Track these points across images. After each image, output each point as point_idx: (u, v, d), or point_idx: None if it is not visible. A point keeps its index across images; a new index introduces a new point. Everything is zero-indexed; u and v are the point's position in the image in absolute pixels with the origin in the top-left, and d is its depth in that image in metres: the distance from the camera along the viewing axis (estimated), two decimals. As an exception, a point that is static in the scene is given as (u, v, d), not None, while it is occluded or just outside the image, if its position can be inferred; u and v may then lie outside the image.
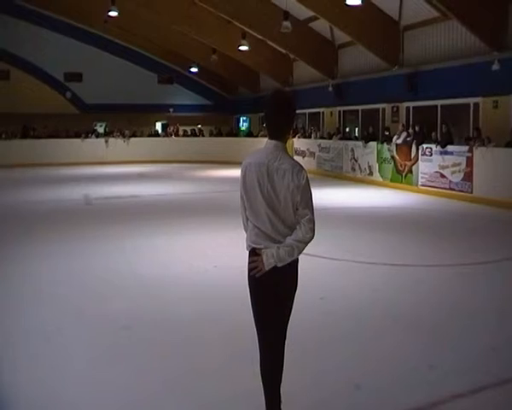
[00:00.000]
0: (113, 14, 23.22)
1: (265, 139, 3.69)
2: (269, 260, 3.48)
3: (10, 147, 26.95)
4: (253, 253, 3.59)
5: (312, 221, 3.48)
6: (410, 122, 19.30)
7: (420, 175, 16.89)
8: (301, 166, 3.56)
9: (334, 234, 10.66)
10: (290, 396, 3.87)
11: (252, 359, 3.95)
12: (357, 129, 23.87)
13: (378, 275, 7.93)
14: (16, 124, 28.17)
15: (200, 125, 32.69)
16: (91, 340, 5.57)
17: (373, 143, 19.33)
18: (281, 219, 3.51)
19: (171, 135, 30.98)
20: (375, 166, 19.12)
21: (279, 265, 3.48)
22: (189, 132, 31.97)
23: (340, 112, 24.59)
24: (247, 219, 3.66)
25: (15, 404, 4.32)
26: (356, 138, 22.15)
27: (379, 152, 18.93)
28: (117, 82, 32.07)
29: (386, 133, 19.10)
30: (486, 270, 8.22)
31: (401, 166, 17.77)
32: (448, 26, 17.96)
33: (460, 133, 16.83)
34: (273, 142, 3.58)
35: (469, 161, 14.96)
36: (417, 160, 16.99)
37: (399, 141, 18.03)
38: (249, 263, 3.59)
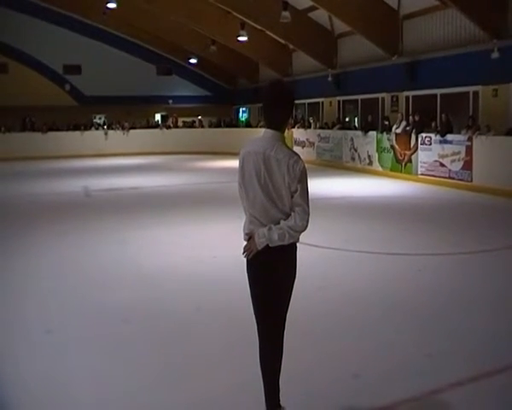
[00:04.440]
0: (112, 5, 23.18)
1: (263, 130, 3.68)
2: (260, 239, 3.50)
3: (9, 140, 26.92)
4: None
5: (307, 212, 3.49)
6: (410, 111, 19.26)
7: (419, 164, 16.88)
8: (298, 156, 3.55)
9: (334, 223, 10.68)
10: (288, 385, 3.88)
11: (251, 349, 3.97)
12: (356, 119, 23.84)
13: (377, 264, 7.94)
14: (15, 117, 28.13)
15: (200, 117, 32.65)
16: (92, 331, 5.59)
17: (372, 133, 19.32)
18: (277, 207, 3.52)
19: (170, 127, 30.90)
20: (375, 156, 19.10)
21: (271, 245, 3.48)
22: (187, 123, 31.96)
23: (339, 102, 24.52)
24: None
25: (16, 396, 4.33)
26: (355, 128, 22.13)
27: (378, 141, 18.91)
28: (116, 74, 32.05)
29: (386, 123, 19.07)
30: (486, 258, 8.23)
31: (401, 155, 17.76)
32: (447, 15, 17.89)
33: (460, 122, 16.80)
34: (270, 131, 3.58)
35: (469, 150, 14.95)
36: (417, 149, 16.99)
37: (399, 130, 18.01)
38: (243, 247, 3.60)
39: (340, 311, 6.06)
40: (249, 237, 3.58)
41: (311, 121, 24.72)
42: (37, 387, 4.45)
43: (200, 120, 32.33)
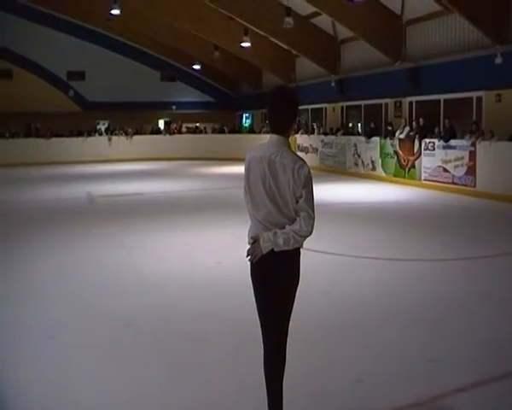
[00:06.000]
0: (116, 12, 23.23)
1: (267, 136, 3.70)
2: (265, 243, 3.49)
3: (14, 146, 27.01)
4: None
5: (312, 217, 3.48)
6: (413, 117, 19.26)
7: (423, 170, 16.87)
8: (303, 161, 3.54)
9: (337, 229, 10.69)
10: (292, 390, 3.88)
11: (254, 354, 3.97)
12: (359, 124, 23.86)
13: (381, 270, 7.93)
14: (19, 123, 28.23)
15: (198, 124, 32.69)
16: (94, 337, 5.59)
17: (376, 139, 19.33)
18: (282, 212, 3.52)
19: (174, 133, 30.92)
20: (378, 162, 19.10)
21: (276, 249, 3.48)
22: (190, 129, 32.09)
23: (342, 107, 24.56)
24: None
25: (17, 402, 4.33)
26: (359, 134, 22.13)
27: (382, 147, 18.91)
28: (120, 80, 32.13)
29: (389, 128, 19.08)
30: (489, 264, 8.21)
31: (404, 160, 17.75)
32: (450, 20, 17.91)
33: (463, 127, 16.79)
34: (276, 136, 3.59)
35: (472, 155, 14.94)
36: (420, 154, 16.98)
37: (402, 136, 18.01)
38: (247, 250, 3.61)
39: (345, 316, 6.06)
40: (254, 241, 3.59)
41: (315, 127, 24.75)
42: (39, 392, 4.45)
43: (198, 126, 32.39)
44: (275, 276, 3.57)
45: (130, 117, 30.72)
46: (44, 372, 4.79)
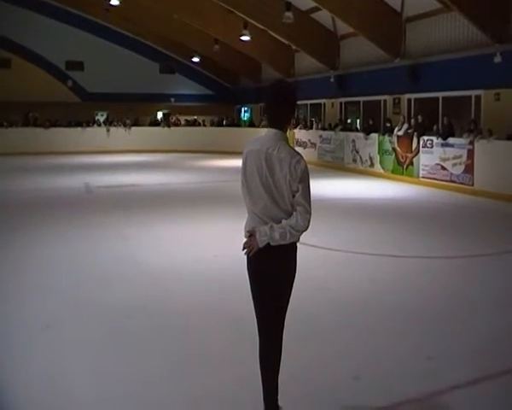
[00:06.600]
0: (115, 2, 23.18)
1: (266, 130, 3.70)
2: (262, 237, 3.50)
3: (12, 135, 26.95)
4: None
5: (308, 212, 3.50)
6: (412, 114, 19.26)
7: (421, 167, 16.88)
8: (300, 155, 3.56)
9: (334, 225, 10.71)
10: (288, 385, 3.89)
11: (250, 347, 3.98)
12: (358, 120, 23.84)
13: (377, 266, 7.95)
14: (17, 112, 28.15)
15: (195, 117, 32.63)
16: (90, 330, 5.59)
17: (374, 135, 19.32)
18: (278, 206, 3.54)
19: (171, 125, 30.86)
20: (377, 158, 19.11)
21: (272, 243, 3.50)
22: (189, 121, 32.05)
23: (341, 103, 24.54)
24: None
25: (14, 395, 4.32)
26: (357, 130, 22.13)
27: (380, 144, 18.92)
28: (118, 71, 32.05)
29: (388, 125, 19.07)
30: (486, 262, 8.24)
31: (402, 157, 17.76)
32: (450, 18, 17.89)
33: (461, 126, 16.80)
34: (273, 130, 3.61)
35: (470, 154, 14.96)
36: (418, 152, 16.99)
37: (400, 133, 18.01)
38: (243, 243, 3.62)
39: (341, 312, 6.07)
40: (250, 235, 3.60)
41: (313, 122, 24.73)
42: (35, 385, 4.44)
43: (197, 119, 32.34)
44: (271, 270, 3.58)
45: (129, 108, 30.63)
46: (40, 363, 4.79)
